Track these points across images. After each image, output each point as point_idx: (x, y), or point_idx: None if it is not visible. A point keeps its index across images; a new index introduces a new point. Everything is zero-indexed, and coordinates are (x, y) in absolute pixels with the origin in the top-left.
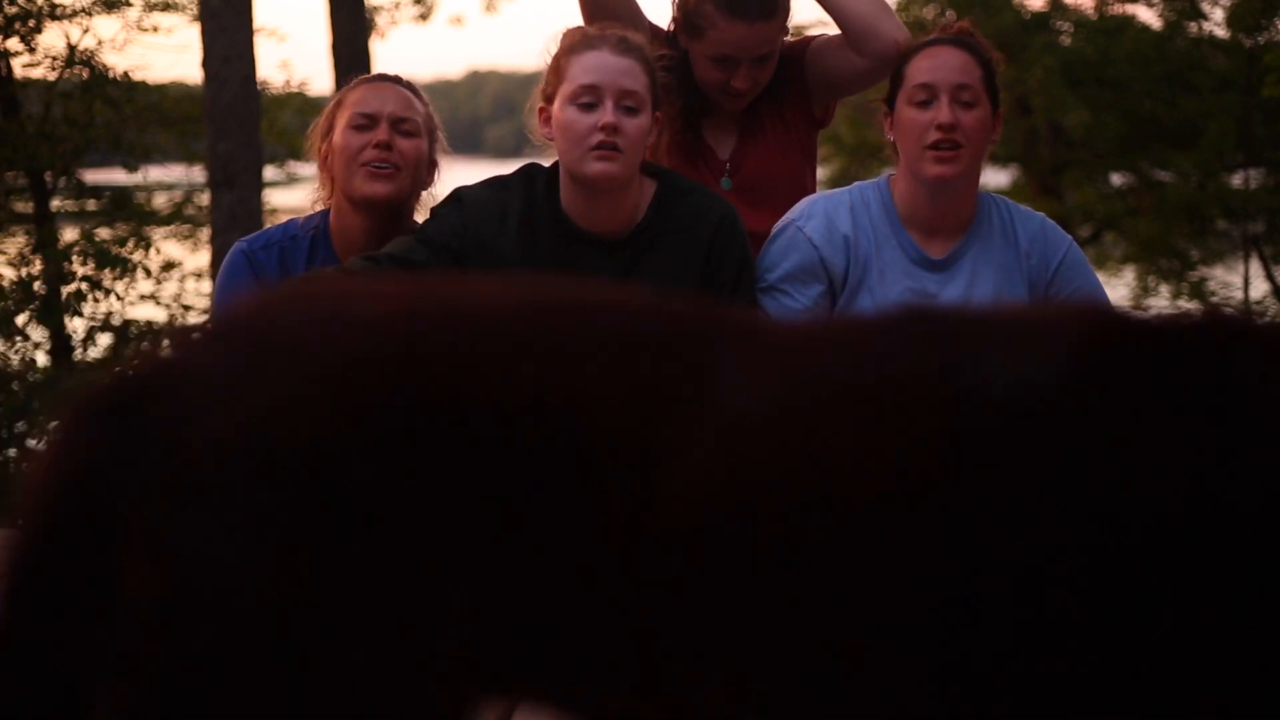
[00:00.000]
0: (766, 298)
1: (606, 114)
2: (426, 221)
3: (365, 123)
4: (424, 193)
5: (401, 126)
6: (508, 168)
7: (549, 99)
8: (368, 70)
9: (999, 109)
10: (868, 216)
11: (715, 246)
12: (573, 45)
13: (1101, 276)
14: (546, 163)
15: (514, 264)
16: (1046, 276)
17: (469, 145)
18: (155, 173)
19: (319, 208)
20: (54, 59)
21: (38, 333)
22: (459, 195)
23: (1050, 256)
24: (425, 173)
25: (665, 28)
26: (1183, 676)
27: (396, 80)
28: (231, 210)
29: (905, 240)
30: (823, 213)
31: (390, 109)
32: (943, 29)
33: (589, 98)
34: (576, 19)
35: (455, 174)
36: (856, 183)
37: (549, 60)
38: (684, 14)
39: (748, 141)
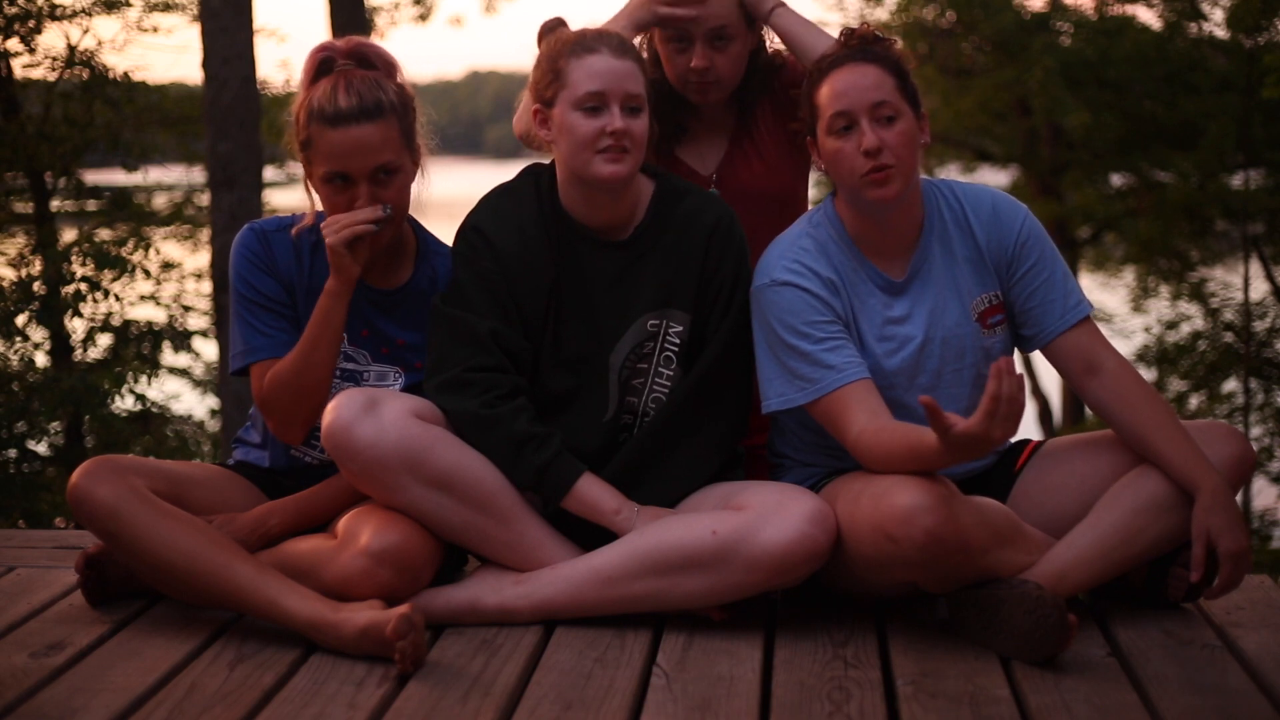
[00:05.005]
0: (805, 363)
1: (615, 119)
2: (461, 274)
3: (342, 181)
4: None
5: (382, 172)
6: (507, 168)
7: (546, 102)
8: None
9: (921, 110)
10: (834, 252)
11: (712, 246)
12: (571, 48)
13: (1101, 277)
14: (541, 161)
15: (542, 269)
16: (1008, 256)
17: (469, 145)
18: (155, 173)
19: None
20: (54, 59)
21: (37, 333)
22: (477, 226)
23: (1007, 236)
24: (411, 181)
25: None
26: None
27: (363, 106)
28: (231, 210)
29: (871, 270)
30: (795, 262)
31: (365, 164)
32: (845, 40)
33: (595, 102)
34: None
35: (455, 174)
36: (805, 217)
37: (541, 60)
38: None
39: (737, 153)
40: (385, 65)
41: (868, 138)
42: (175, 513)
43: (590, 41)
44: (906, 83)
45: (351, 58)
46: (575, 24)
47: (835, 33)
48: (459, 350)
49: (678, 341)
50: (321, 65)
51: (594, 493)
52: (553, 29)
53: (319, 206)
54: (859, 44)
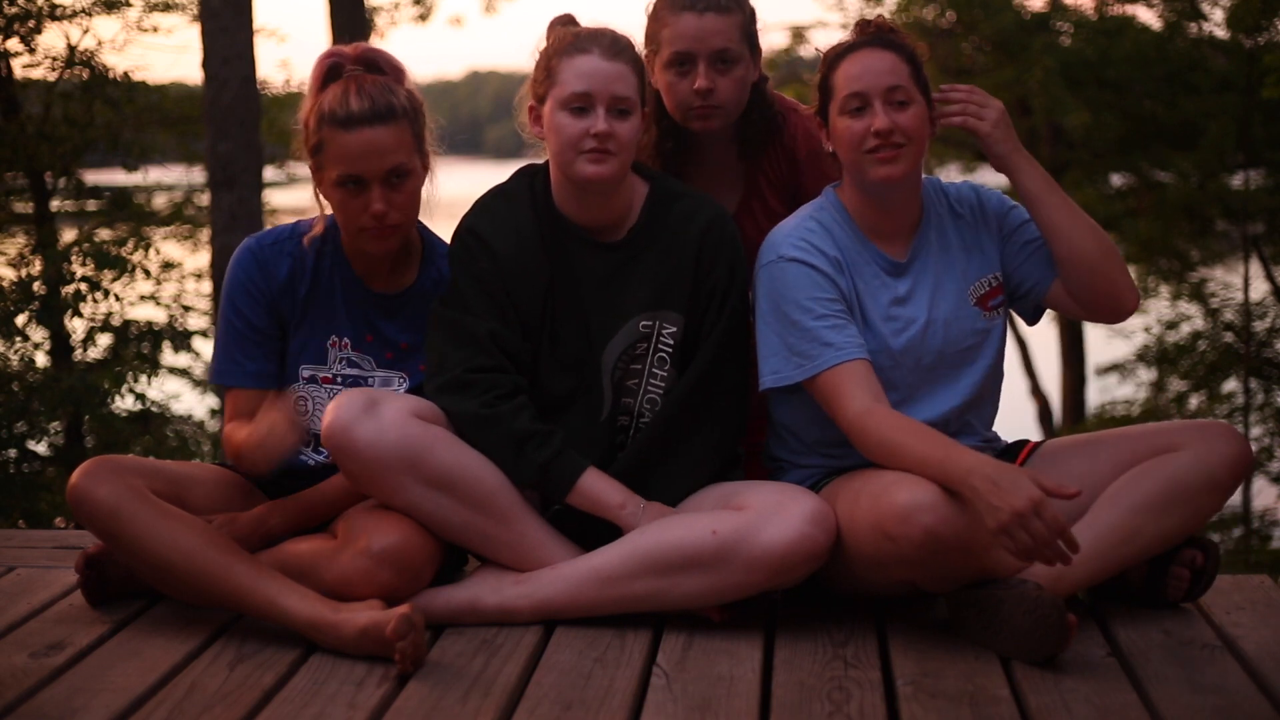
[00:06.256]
0: (805, 339)
1: (599, 121)
2: (458, 278)
3: (355, 184)
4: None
5: (394, 175)
6: (507, 167)
7: (539, 98)
8: None
9: (932, 103)
10: (839, 234)
11: (706, 247)
12: (564, 47)
13: None
14: (540, 160)
15: (537, 269)
16: (998, 220)
17: (469, 145)
18: (155, 173)
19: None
20: (54, 59)
21: (37, 333)
22: (473, 228)
23: (992, 203)
24: (421, 186)
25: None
26: None
27: (375, 109)
28: (231, 210)
29: (874, 252)
30: (802, 240)
31: (380, 166)
32: (861, 28)
33: (581, 103)
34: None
35: (455, 174)
36: (807, 205)
37: (538, 56)
38: (648, 35)
39: (754, 202)
40: (393, 70)
41: (880, 119)
42: (175, 513)
43: (583, 41)
44: (920, 73)
45: (360, 63)
46: (585, 23)
47: (823, 35)
48: (459, 352)
49: (671, 343)
50: (330, 71)
51: (599, 487)
52: (562, 24)
53: (328, 212)
54: (876, 31)
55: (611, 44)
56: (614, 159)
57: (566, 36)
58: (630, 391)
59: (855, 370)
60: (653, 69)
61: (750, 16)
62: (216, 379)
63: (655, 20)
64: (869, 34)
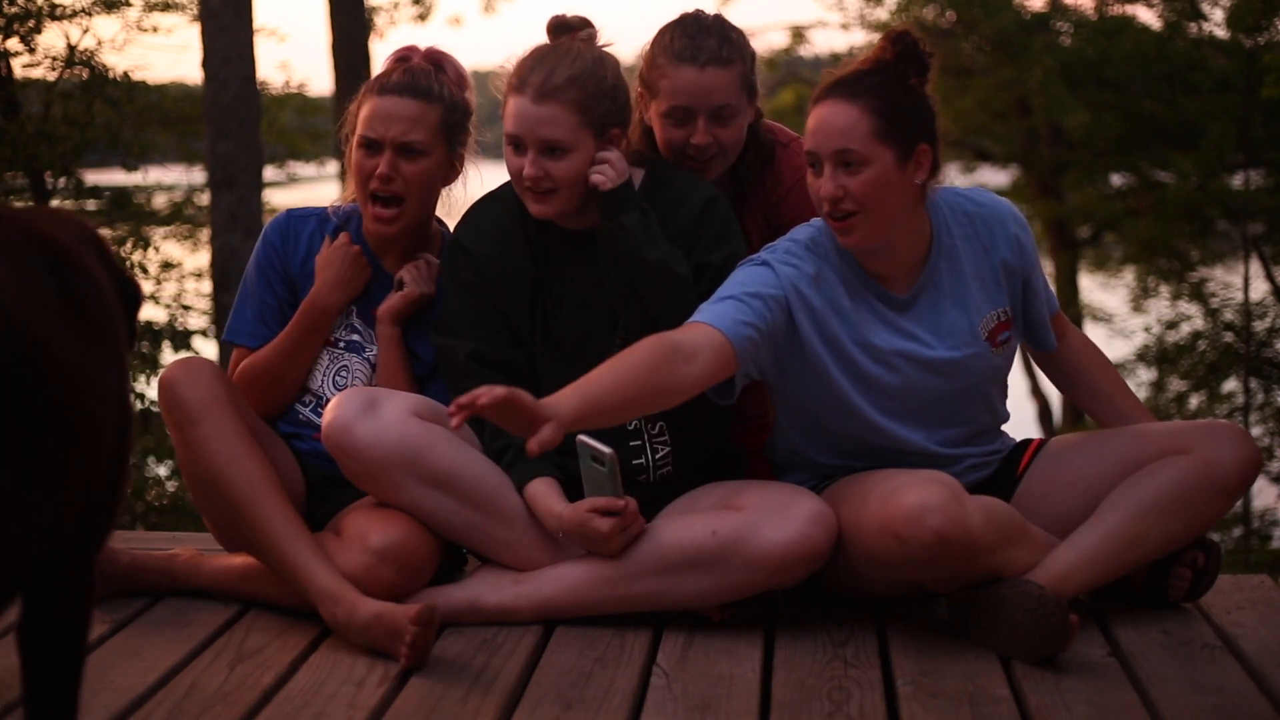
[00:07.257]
0: (757, 264)
1: (527, 165)
2: (447, 292)
3: (371, 145)
4: (447, 188)
5: (407, 149)
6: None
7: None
8: (368, 73)
9: (919, 145)
10: (834, 260)
11: (701, 229)
12: (508, 84)
13: (1101, 277)
14: None
15: (522, 267)
16: (1002, 252)
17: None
18: (155, 173)
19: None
20: (54, 59)
21: None
22: (457, 238)
23: (998, 235)
24: (440, 181)
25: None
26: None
27: (413, 84)
28: (231, 210)
29: (872, 286)
30: (785, 252)
31: (394, 133)
32: (822, 88)
33: (514, 142)
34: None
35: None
36: (805, 225)
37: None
38: (643, 78)
39: (744, 217)
40: (455, 74)
41: (825, 186)
42: (253, 441)
43: (520, 78)
44: (892, 120)
45: (427, 59)
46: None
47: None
48: (452, 380)
49: None
50: (399, 60)
51: (539, 503)
52: (557, 28)
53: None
54: (853, 78)
55: (543, 83)
56: (554, 196)
57: (512, 76)
58: None
59: (708, 336)
60: (645, 108)
61: (750, 64)
62: (226, 336)
63: (652, 67)
64: (844, 79)
